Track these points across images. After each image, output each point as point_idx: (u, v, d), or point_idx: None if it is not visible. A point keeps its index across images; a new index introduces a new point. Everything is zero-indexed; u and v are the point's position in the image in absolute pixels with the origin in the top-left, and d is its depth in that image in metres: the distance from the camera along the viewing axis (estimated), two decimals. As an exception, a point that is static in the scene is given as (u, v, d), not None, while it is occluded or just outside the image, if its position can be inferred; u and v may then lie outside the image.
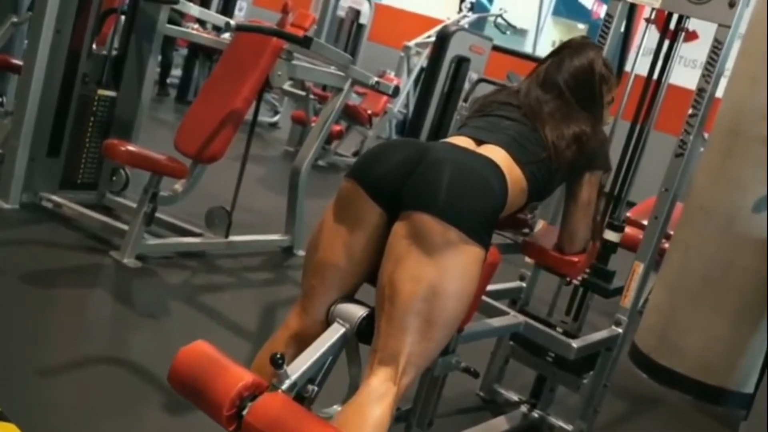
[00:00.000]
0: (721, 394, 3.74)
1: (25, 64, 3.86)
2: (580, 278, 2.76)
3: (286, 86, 6.39)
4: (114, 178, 3.94)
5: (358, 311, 1.83)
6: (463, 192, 1.79)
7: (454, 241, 1.73)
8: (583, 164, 2.20)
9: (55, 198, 3.94)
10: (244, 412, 1.59)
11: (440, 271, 1.73)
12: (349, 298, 1.89)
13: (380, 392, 1.71)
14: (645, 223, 2.80)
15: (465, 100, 6.46)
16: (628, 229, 3.02)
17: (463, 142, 2.05)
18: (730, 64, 3.30)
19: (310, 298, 1.89)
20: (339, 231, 1.88)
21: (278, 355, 1.65)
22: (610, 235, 2.75)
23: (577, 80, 2.24)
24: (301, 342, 1.84)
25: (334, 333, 1.79)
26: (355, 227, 1.87)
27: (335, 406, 1.78)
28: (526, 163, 2.03)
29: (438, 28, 7.61)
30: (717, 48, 2.59)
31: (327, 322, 1.84)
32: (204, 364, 1.69)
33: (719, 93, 2.83)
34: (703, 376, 3.75)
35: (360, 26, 8.53)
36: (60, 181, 4.04)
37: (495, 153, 2.00)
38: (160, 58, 6.47)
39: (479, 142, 2.05)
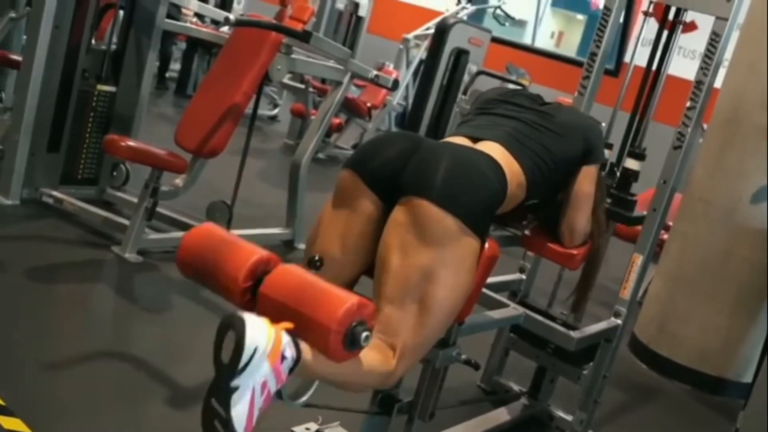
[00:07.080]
0: (719, 383, 3.76)
1: (24, 60, 3.86)
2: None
3: (286, 79, 6.38)
4: (114, 173, 3.95)
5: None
6: (461, 179, 1.80)
7: (450, 229, 1.75)
8: (579, 158, 2.23)
9: (55, 193, 3.94)
10: (260, 285, 1.58)
11: (435, 258, 1.74)
12: (349, 290, 1.90)
13: (379, 347, 1.71)
14: (644, 214, 2.81)
15: (464, 93, 6.47)
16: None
17: (459, 140, 2.07)
18: (728, 55, 3.30)
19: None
20: (337, 222, 1.90)
21: (316, 257, 1.66)
22: (631, 164, 2.77)
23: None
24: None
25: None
26: (353, 217, 1.88)
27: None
28: (524, 158, 2.04)
29: (437, 20, 7.60)
30: (715, 41, 2.60)
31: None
32: (214, 244, 1.68)
33: (718, 83, 2.83)
34: (701, 366, 3.76)
35: (359, 18, 8.51)
36: (60, 177, 4.04)
37: (492, 148, 2.01)
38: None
39: (476, 140, 2.07)
